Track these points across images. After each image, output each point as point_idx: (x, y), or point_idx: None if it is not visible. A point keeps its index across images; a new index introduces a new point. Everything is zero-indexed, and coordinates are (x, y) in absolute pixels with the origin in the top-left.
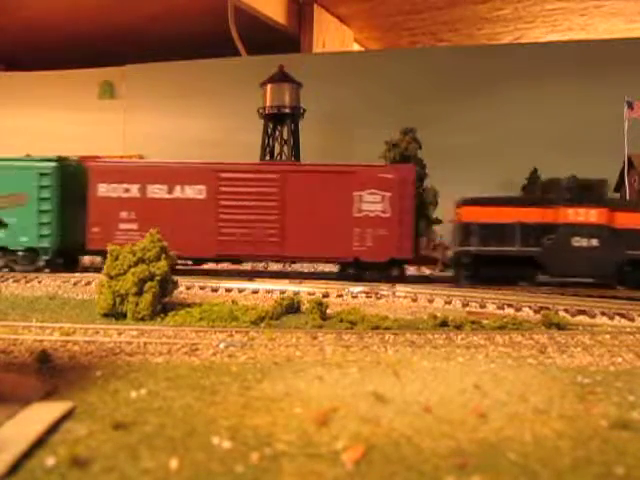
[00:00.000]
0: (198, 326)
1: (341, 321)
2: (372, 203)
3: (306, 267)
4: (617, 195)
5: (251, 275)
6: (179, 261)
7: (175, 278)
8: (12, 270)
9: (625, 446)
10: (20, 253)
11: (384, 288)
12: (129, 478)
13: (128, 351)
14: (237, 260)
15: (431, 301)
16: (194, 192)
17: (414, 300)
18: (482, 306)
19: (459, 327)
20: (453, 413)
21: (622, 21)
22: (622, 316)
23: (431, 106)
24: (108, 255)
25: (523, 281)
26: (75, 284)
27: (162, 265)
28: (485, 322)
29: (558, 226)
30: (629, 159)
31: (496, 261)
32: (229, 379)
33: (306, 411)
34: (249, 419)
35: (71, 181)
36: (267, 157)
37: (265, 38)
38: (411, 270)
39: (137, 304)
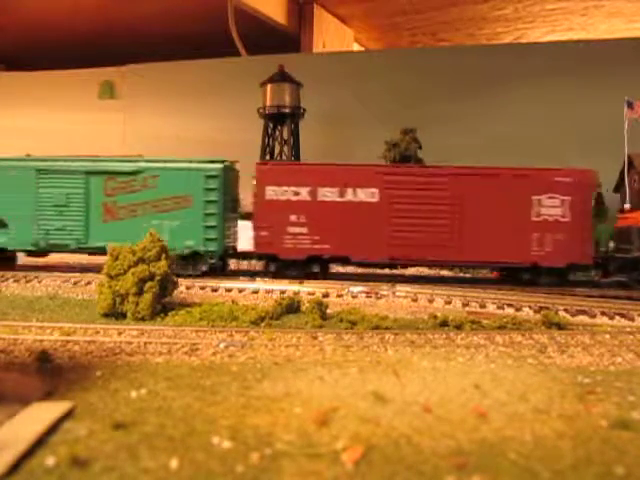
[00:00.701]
0: (198, 326)
1: (341, 321)
2: (551, 207)
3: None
4: (617, 195)
5: (251, 275)
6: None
7: (175, 278)
8: (178, 275)
9: (625, 446)
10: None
11: (384, 288)
12: (129, 478)
13: (128, 351)
14: (408, 264)
15: (431, 301)
16: (366, 195)
17: (414, 300)
18: (482, 306)
19: (459, 327)
20: (453, 413)
21: (622, 21)
22: (622, 316)
23: (431, 106)
24: (108, 255)
25: None
26: (75, 284)
27: (162, 265)
28: (485, 322)
29: None
30: (629, 159)
31: None
32: (229, 379)
33: (306, 411)
34: (249, 419)
35: (227, 183)
36: (267, 157)
37: (265, 38)
38: (409, 271)
39: (137, 304)
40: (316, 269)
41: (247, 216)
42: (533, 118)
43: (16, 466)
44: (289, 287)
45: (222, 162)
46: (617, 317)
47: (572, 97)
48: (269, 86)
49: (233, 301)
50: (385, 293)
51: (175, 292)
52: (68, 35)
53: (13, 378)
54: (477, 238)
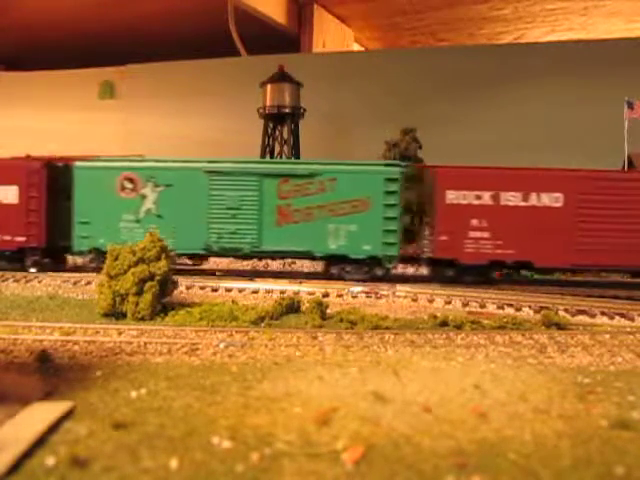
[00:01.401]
0: (198, 326)
1: (341, 321)
2: None
3: (306, 267)
4: None
5: (251, 275)
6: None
7: (175, 278)
8: (341, 279)
9: (625, 446)
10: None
11: (384, 288)
12: (129, 478)
13: (128, 351)
14: (595, 270)
15: (431, 301)
16: (550, 200)
17: (414, 300)
18: (482, 306)
19: (459, 327)
20: (453, 413)
21: (622, 21)
22: (622, 316)
23: (431, 106)
24: (108, 255)
25: None
26: (75, 284)
27: (162, 265)
28: (485, 322)
29: None
30: (629, 159)
31: None
32: (229, 379)
33: (306, 411)
34: (249, 419)
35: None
36: (267, 157)
37: (265, 38)
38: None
39: (137, 304)
40: (495, 274)
41: None
42: (533, 118)
43: (16, 466)
44: (289, 287)
45: (400, 165)
46: (617, 317)
47: (572, 97)
48: (269, 86)
49: (233, 301)
50: (385, 293)
51: (175, 292)
52: (68, 35)
53: (13, 378)
54: None
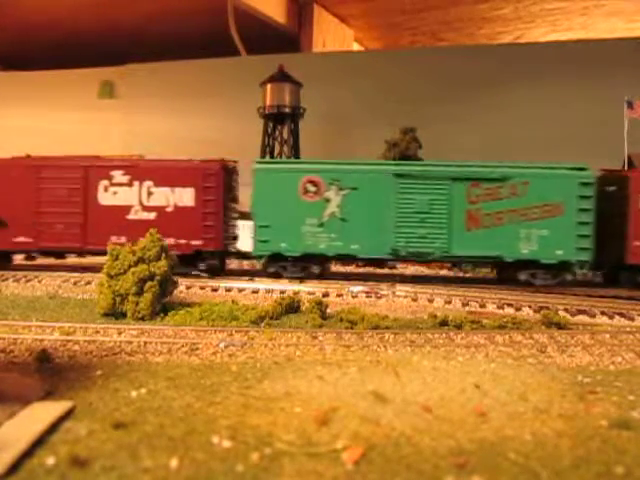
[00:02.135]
0: (198, 326)
1: (341, 320)
2: None
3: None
4: None
5: (251, 275)
6: None
7: (175, 278)
8: (531, 285)
9: (625, 446)
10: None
11: (384, 288)
12: (129, 478)
13: (128, 350)
14: None
15: (431, 301)
16: None
17: (414, 300)
18: (482, 306)
19: (459, 327)
20: (453, 413)
21: (622, 21)
22: (622, 315)
23: (431, 106)
24: (108, 255)
25: None
26: (75, 284)
27: (162, 265)
28: (485, 322)
29: None
30: (629, 159)
31: None
32: (229, 379)
33: (306, 411)
34: (249, 418)
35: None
36: (267, 157)
37: (265, 38)
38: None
39: (137, 304)
40: None
41: (245, 216)
42: (533, 118)
43: (16, 466)
44: (289, 287)
45: (582, 169)
46: (617, 317)
47: (572, 97)
48: (269, 86)
49: (233, 301)
50: (385, 293)
51: (175, 292)
52: (68, 35)
53: (13, 378)
54: None
